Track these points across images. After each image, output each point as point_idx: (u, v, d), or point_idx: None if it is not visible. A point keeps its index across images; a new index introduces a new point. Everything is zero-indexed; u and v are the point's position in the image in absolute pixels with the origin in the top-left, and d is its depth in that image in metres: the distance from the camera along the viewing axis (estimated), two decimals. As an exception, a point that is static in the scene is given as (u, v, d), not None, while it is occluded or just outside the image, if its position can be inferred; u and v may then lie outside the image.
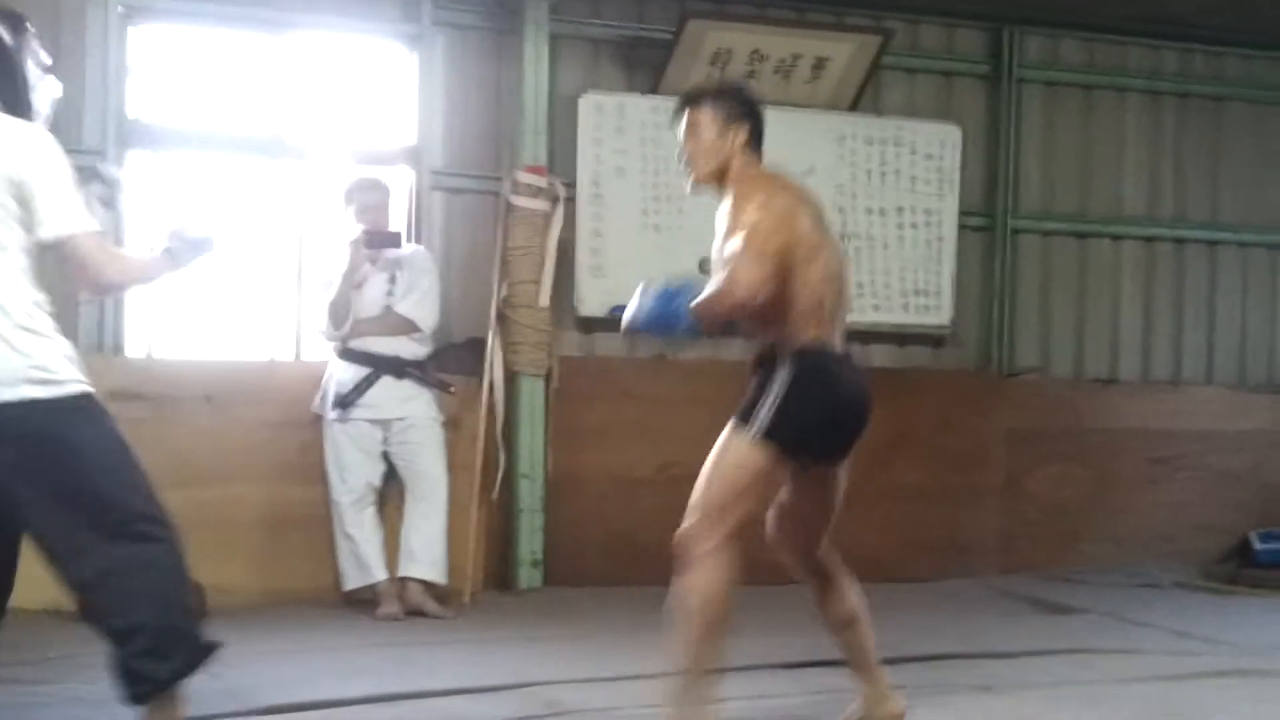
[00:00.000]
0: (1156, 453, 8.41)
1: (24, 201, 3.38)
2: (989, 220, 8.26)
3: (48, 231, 3.40)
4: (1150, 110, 8.64)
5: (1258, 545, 8.05)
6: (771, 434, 3.82)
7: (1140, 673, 5.36)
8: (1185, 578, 7.89)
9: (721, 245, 3.87)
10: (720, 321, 3.84)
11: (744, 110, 4.11)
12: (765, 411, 3.83)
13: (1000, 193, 8.25)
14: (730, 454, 3.88)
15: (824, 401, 3.90)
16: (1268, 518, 8.25)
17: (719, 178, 4.07)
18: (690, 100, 4.15)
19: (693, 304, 3.76)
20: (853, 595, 4.25)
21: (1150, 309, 8.65)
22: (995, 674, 5.15)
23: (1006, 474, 8.04)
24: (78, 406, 3.44)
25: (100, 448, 3.43)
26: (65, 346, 3.51)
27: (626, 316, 3.89)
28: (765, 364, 3.99)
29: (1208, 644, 6.02)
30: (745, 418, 3.87)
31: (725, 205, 3.98)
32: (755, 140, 4.11)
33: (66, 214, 3.42)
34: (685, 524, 3.87)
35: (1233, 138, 8.76)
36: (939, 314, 8.03)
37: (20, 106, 3.54)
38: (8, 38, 3.54)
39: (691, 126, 4.10)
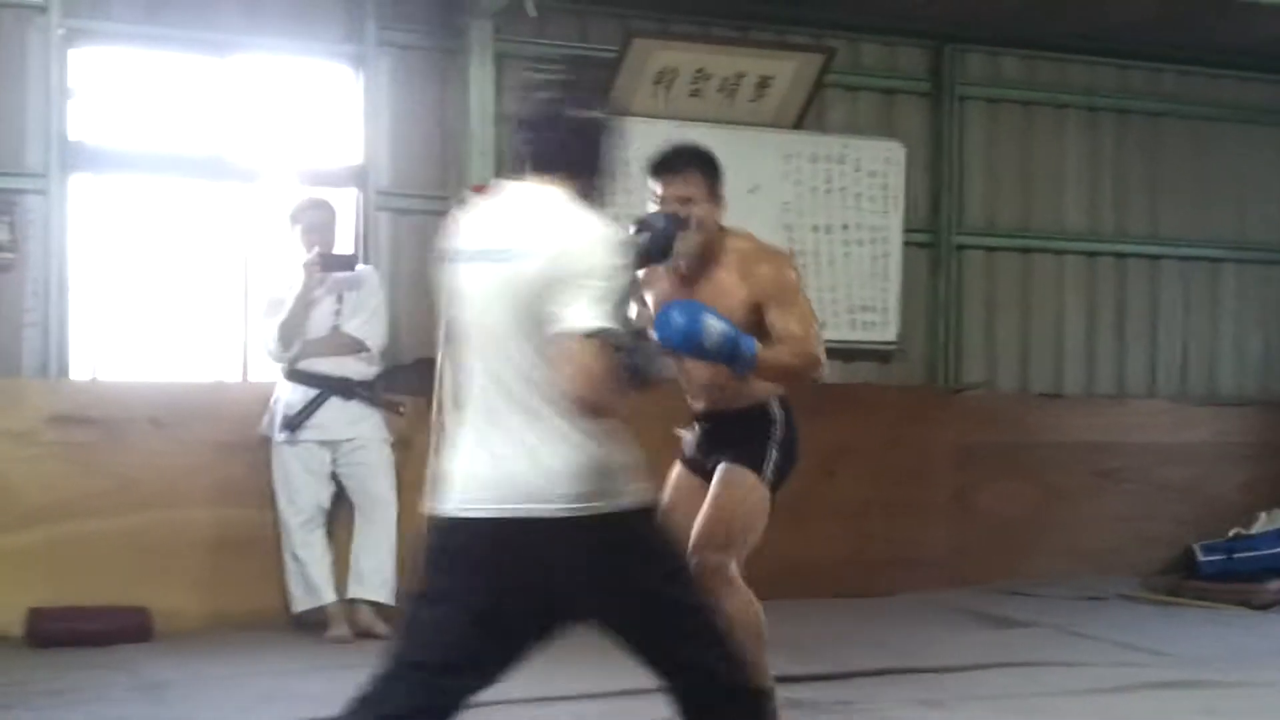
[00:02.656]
0: (1101, 466, 8.50)
1: None
2: (933, 236, 8.34)
3: None
4: (1090, 127, 8.75)
5: (1201, 557, 8.13)
6: (777, 475, 4.20)
7: (1085, 685, 5.42)
8: (1130, 590, 7.97)
9: (749, 302, 4.10)
10: (779, 377, 4.13)
11: None
12: (772, 455, 4.18)
13: (944, 209, 8.33)
14: (749, 492, 4.15)
15: (796, 444, 4.29)
16: (1210, 530, 8.34)
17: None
18: (703, 162, 4.26)
19: (763, 354, 3.90)
20: None
21: (1094, 323, 8.76)
22: (941, 688, 5.19)
23: (954, 488, 8.10)
24: None
25: None
26: None
27: (674, 327, 3.82)
28: (720, 411, 4.27)
29: (1152, 656, 6.10)
30: (750, 460, 4.15)
31: (730, 260, 4.19)
32: None
33: None
34: (711, 557, 4.03)
35: (1171, 153, 8.89)
36: (885, 330, 8.09)
37: None
38: None
39: (699, 188, 4.22)
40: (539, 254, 2.91)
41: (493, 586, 2.90)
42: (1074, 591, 7.83)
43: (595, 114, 3.21)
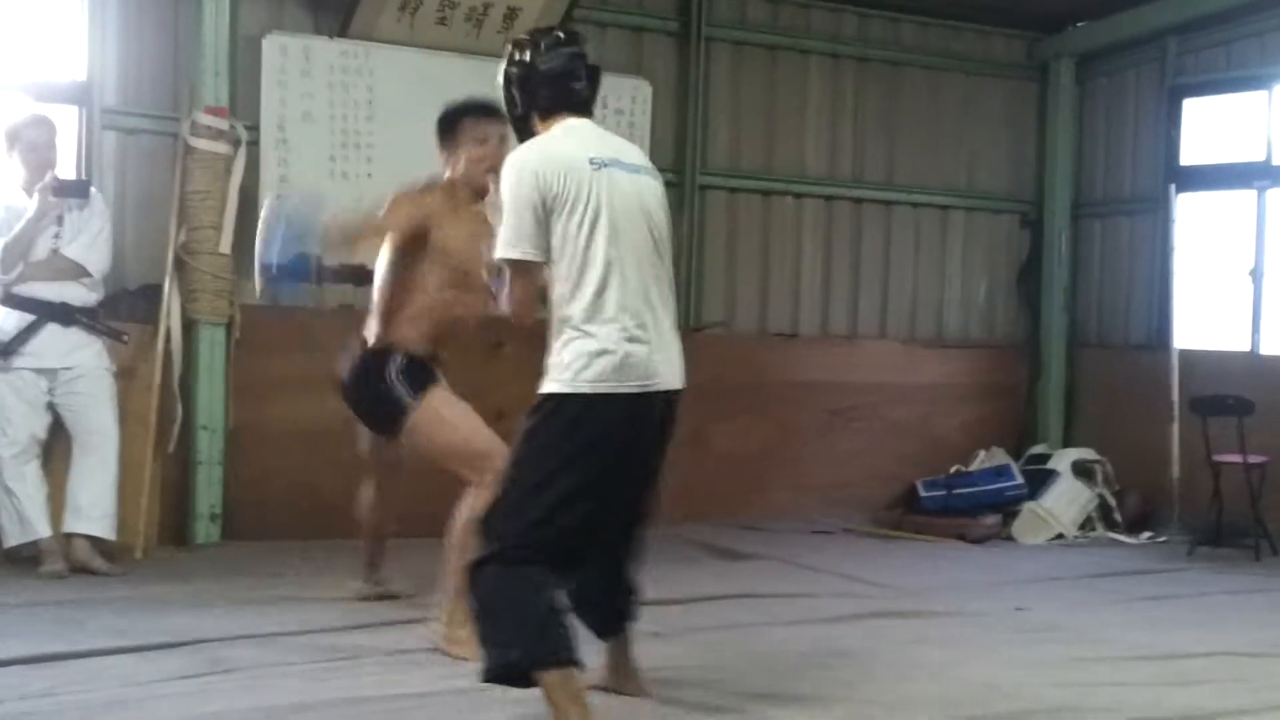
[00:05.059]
0: (834, 405, 8.76)
1: None
2: (678, 176, 8.40)
3: None
4: (831, 73, 8.94)
5: (923, 493, 8.47)
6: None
7: (805, 615, 5.60)
8: (856, 524, 8.25)
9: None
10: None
11: None
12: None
13: (689, 149, 8.41)
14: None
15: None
16: (934, 467, 8.68)
17: None
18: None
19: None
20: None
21: (830, 266, 8.98)
22: (666, 620, 5.27)
23: (691, 426, 8.09)
24: None
25: None
26: None
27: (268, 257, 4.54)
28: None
29: (871, 587, 6.33)
30: None
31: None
32: None
33: None
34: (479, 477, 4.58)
35: (908, 102, 9.15)
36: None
37: None
38: None
39: (507, 138, 4.59)
40: (656, 175, 4.07)
41: (662, 445, 4.08)
42: (802, 526, 8.08)
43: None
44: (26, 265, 6.06)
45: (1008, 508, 8.21)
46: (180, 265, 6.79)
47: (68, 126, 6.77)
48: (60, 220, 6.15)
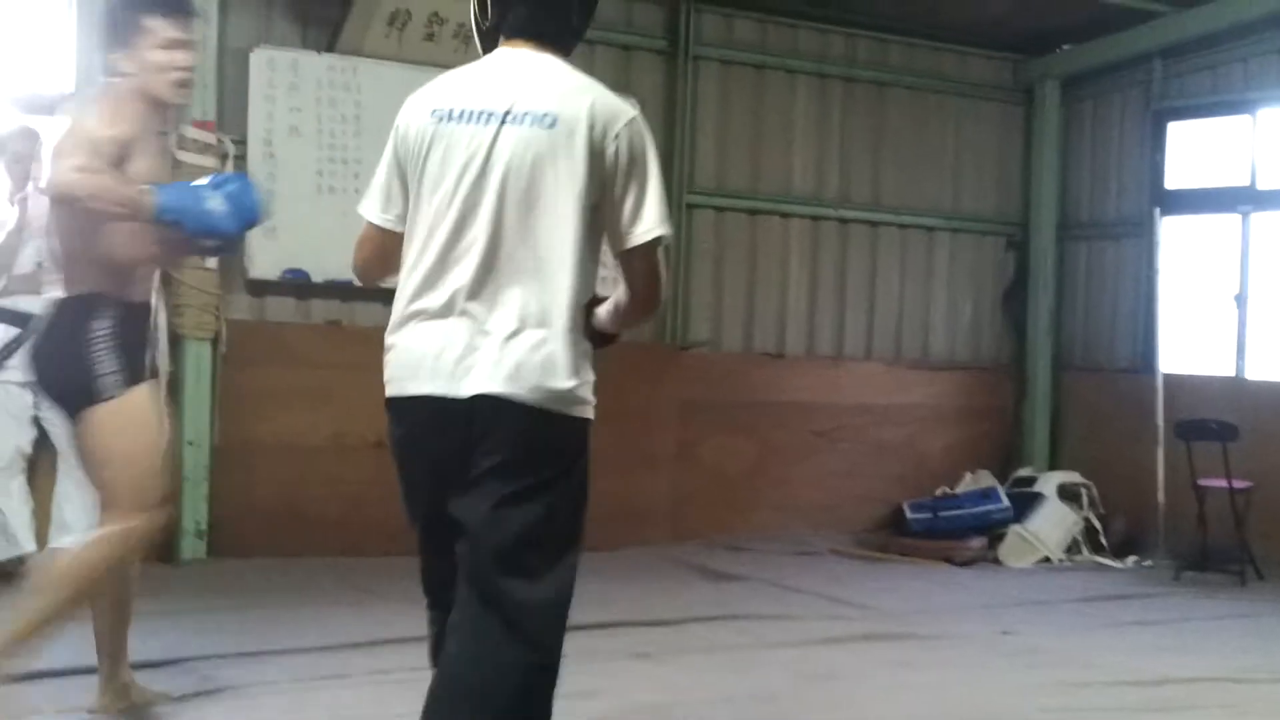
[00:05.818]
0: (819, 425, 8.76)
1: None
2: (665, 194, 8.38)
3: None
4: (819, 93, 8.96)
5: (910, 515, 8.47)
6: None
7: (793, 637, 5.59)
8: (842, 546, 8.24)
9: None
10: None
11: None
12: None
13: (676, 168, 8.41)
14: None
15: None
16: (919, 488, 8.69)
17: None
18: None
19: None
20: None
21: (816, 286, 8.99)
22: (656, 641, 5.28)
23: (677, 444, 8.22)
24: None
25: None
26: None
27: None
28: None
29: (858, 609, 6.33)
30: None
31: None
32: None
33: None
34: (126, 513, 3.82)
35: (894, 123, 9.17)
36: (615, 285, 8.10)
37: None
38: None
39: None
40: (563, 126, 2.99)
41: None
42: (789, 547, 8.07)
43: None
44: (11, 278, 6.03)
45: (994, 530, 8.20)
46: (166, 280, 6.75)
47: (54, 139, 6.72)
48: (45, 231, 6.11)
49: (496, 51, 3.08)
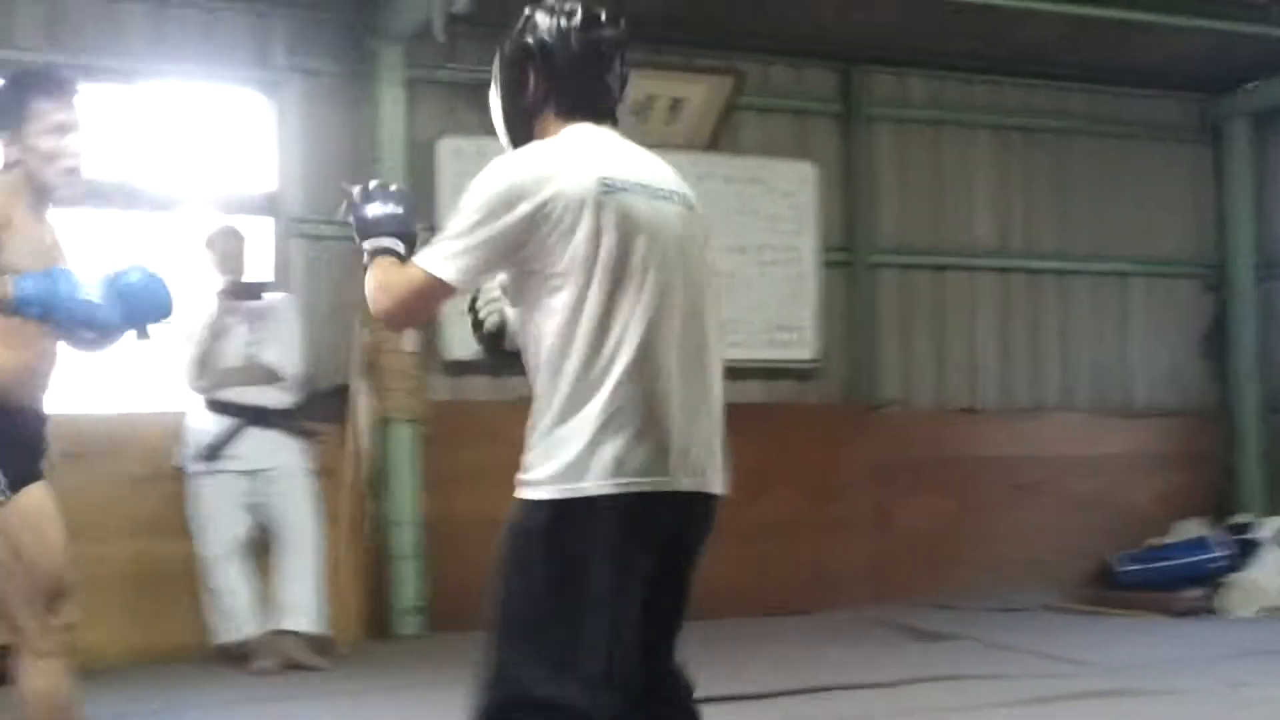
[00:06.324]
0: (1019, 479, 8.59)
1: None
2: (848, 255, 8.40)
3: None
4: (998, 145, 8.88)
5: (1119, 567, 8.24)
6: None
7: (1009, 697, 5.45)
8: (1050, 601, 8.05)
9: None
10: None
11: None
12: None
13: (858, 228, 8.40)
14: None
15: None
16: (1127, 539, 8.45)
17: None
18: None
19: None
20: None
21: (1007, 338, 8.86)
22: (871, 704, 5.20)
23: (873, 504, 8.15)
24: None
25: None
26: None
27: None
28: None
29: (1073, 666, 6.16)
30: None
31: None
32: None
33: None
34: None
35: (1079, 170, 9.03)
36: (803, 349, 8.13)
37: None
38: None
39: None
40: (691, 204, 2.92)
41: None
42: (995, 604, 7.90)
43: None
44: (224, 371, 6.28)
45: (1210, 580, 7.93)
46: (370, 365, 6.95)
47: (260, 236, 7.01)
48: (253, 327, 6.37)
49: (578, 128, 2.81)
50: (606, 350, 2.66)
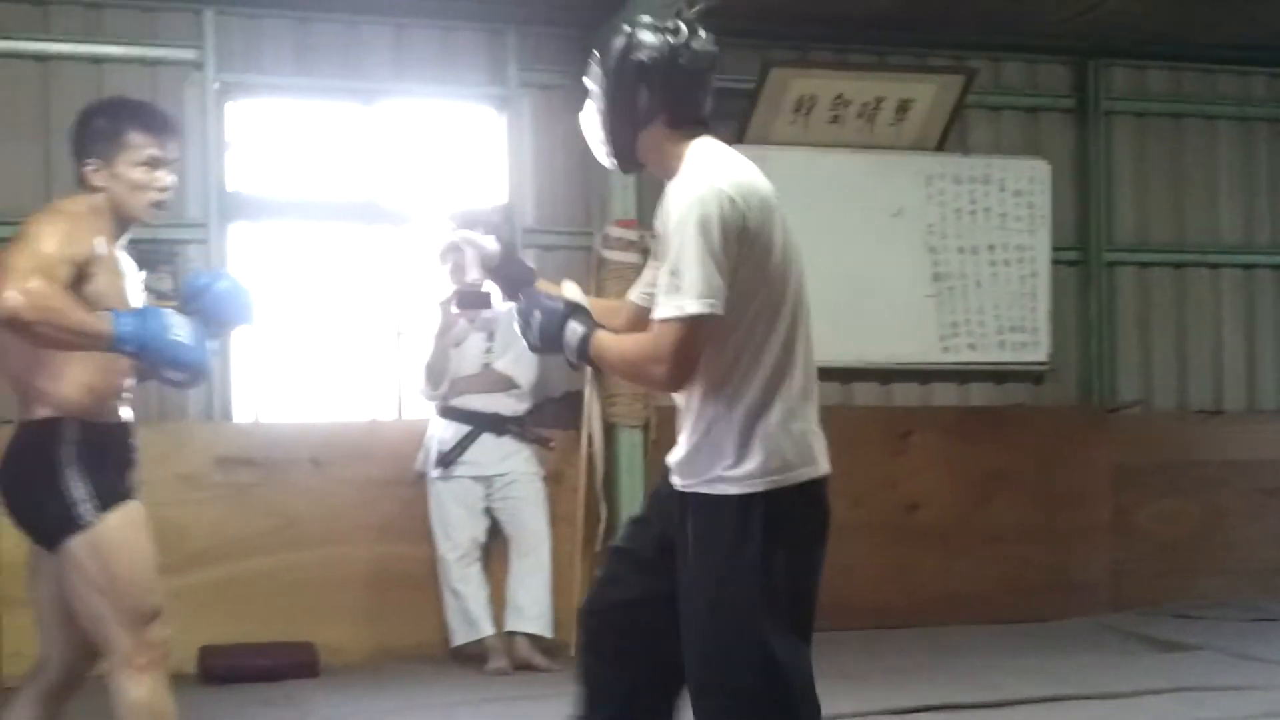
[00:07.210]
0: (1267, 484, 8.26)
1: None
2: (1083, 254, 8.21)
3: None
4: (1242, 137, 8.55)
5: (1378, 575, 7.87)
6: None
7: (1257, 710, 5.27)
8: (1304, 609, 7.73)
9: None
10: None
11: None
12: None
13: (1093, 226, 8.20)
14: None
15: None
16: (1387, 546, 8.06)
17: None
18: None
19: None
20: None
21: (1253, 337, 8.53)
22: (1111, 715, 5.09)
23: (1113, 510, 7.94)
24: None
25: None
26: None
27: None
28: None
29: (1330, 678, 5.91)
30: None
31: None
32: None
33: None
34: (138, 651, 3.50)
35: (1330, 160, 8.64)
36: (1036, 350, 7.97)
37: None
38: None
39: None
40: None
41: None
42: (1241, 613, 7.62)
43: None
44: (460, 379, 6.48)
45: None
46: (598, 372, 7.08)
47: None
48: (491, 336, 6.56)
49: (707, 141, 3.02)
50: (793, 349, 2.95)
